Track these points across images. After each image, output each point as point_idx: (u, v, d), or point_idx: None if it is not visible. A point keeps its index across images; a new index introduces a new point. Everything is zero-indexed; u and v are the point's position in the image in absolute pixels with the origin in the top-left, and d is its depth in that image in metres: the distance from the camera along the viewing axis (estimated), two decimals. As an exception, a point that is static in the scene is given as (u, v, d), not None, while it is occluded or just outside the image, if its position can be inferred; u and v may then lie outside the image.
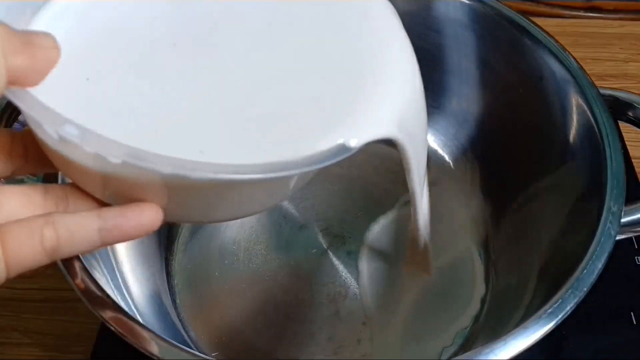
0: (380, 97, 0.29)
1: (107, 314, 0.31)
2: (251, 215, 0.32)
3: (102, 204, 0.27)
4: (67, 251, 0.24)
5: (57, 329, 0.46)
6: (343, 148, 0.26)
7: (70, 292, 0.32)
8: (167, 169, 0.22)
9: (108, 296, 0.31)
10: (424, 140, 0.35)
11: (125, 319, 0.30)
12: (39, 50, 0.25)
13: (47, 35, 0.25)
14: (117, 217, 0.25)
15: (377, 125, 0.28)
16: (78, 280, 0.32)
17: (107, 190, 0.26)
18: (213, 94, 0.27)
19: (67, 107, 0.24)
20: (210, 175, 0.23)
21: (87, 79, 0.27)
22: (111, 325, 0.30)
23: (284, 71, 0.29)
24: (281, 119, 0.27)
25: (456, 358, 0.29)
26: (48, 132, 0.23)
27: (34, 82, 0.25)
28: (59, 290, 0.48)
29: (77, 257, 0.32)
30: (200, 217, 0.32)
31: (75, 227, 0.24)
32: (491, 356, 0.28)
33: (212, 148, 0.25)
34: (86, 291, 0.32)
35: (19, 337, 0.46)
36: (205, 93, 0.27)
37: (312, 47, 0.30)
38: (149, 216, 0.25)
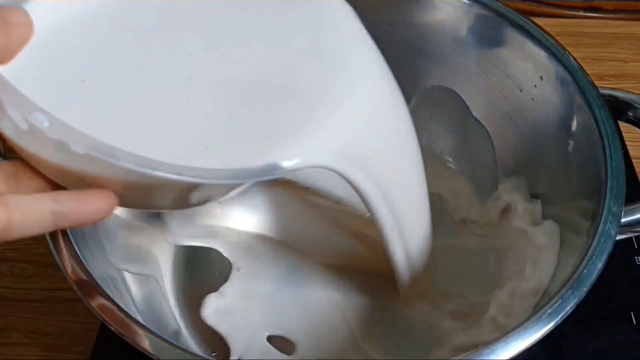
0: (323, 124, 0.29)
1: (107, 314, 0.31)
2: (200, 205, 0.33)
3: (53, 182, 0.27)
4: (18, 233, 0.24)
5: (57, 329, 0.46)
6: (273, 168, 0.27)
7: (70, 292, 0.32)
8: (129, 165, 0.23)
9: (108, 295, 0.31)
10: (399, 179, 0.34)
11: (130, 322, 0.30)
12: (14, 28, 0.24)
13: (21, 11, 0.25)
14: (72, 201, 0.25)
15: (313, 154, 0.28)
16: (69, 270, 0.32)
17: (63, 175, 0.26)
18: (181, 101, 0.28)
19: (58, 104, 0.24)
20: (171, 176, 0.24)
21: (83, 80, 0.27)
22: (111, 324, 0.30)
23: (249, 83, 0.29)
24: (231, 129, 0.28)
25: (456, 358, 0.29)
26: (12, 117, 0.23)
27: (5, 60, 0.25)
28: (59, 290, 0.48)
29: (74, 253, 0.32)
30: (151, 206, 0.33)
31: (28, 209, 0.24)
32: (491, 356, 0.28)
33: (170, 150, 0.26)
34: (82, 285, 0.32)
35: (19, 337, 0.46)
36: (175, 99, 0.28)
37: (279, 63, 0.30)
38: (104, 203, 0.25)
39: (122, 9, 0.30)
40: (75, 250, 0.33)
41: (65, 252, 0.32)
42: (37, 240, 0.50)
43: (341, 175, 0.31)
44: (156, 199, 0.29)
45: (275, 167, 0.27)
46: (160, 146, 0.26)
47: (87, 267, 0.32)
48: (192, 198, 0.30)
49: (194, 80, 0.29)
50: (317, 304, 0.43)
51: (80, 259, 0.32)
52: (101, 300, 0.31)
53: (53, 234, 0.33)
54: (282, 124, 0.28)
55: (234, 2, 0.32)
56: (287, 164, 0.27)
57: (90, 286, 0.32)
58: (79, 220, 0.25)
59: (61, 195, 0.25)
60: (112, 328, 0.30)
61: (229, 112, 0.28)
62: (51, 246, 0.33)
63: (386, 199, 0.34)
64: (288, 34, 0.31)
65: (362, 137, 0.30)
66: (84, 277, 0.32)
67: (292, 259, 0.45)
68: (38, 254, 0.50)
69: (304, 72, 0.30)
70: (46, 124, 0.22)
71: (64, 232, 0.33)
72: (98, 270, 0.35)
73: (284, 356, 0.41)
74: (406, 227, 0.37)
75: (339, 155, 0.29)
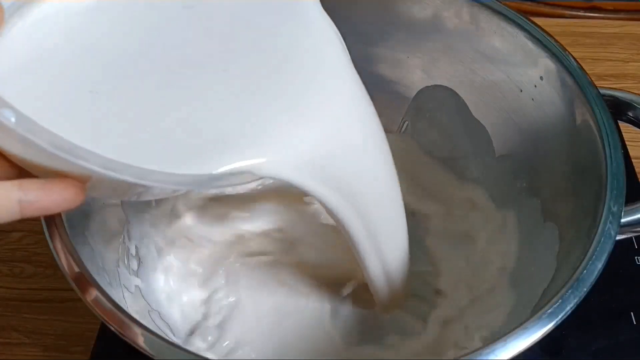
0: (288, 134, 0.29)
1: (106, 314, 0.31)
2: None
3: (18, 166, 0.26)
4: None
5: (57, 329, 0.46)
6: (233, 174, 0.27)
7: (70, 292, 0.32)
8: (93, 166, 0.23)
9: (107, 295, 0.31)
10: (373, 196, 0.34)
11: (130, 321, 0.30)
12: None
13: None
14: (39, 190, 0.25)
15: (273, 166, 0.28)
16: (69, 270, 0.32)
17: (31, 166, 0.26)
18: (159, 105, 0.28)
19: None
20: (130, 179, 0.24)
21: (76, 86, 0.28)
22: (110, 324, 0.30)
23: (219, 90, 0.29)
24: (197, 133, 0.28)
25: (456, 358, 0.29)
26: None
27: None
28: (59, 290, 0.48)
29: (73, 251, 0.32)
30: (122, 197, 0.33)
31: None
32: (491, 356, 0.28)
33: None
34: (81, 284, 0.32)
35: (19, 337, 0.46)
36: (149, 104, 0.28)
37: (252, 69, 0.30)
38: (71, 192, 0.25)
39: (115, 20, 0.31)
40: (73, 248, 0.33)
41: (63, 252, 0.32)
42: (37, 240, 0.50)
43: (305, 190, 0.31)
44: (126, 192, 0.29)
45: (237, 173, 0.27)
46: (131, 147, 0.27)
47: (88, 268, 0.32)
48: (162, 193, 0.30)
49: (178, 87, 0.29)
50: (305, 315, 0.43)
51: (80, 259, 0.32)
52: (100, 300, 0.31)
53: (51, 232, 0.33)
54: (246, 132, 0.28)
55: (222, 11, 0.32)
56: (252, 171, 0.27)
57: (90, 285, 0.31)
58: (44, 209, 0.25)
59: (27, 183, 0.25)
60: (112, 328, 0.30)
61: (205, 117, 0.28)
62: (50, 245, 0.33)
63: (360, 218, 0.34)
64: (269, 47, 0.31)
65: (331, 151, 0.30)
66: (84, 277, 0.32)
67: (282, 271, 0.45)
68: (38, 254, 0.50)
69: (277, 82, 0.30)
70: (13, 120, 0.22)
71: (62, 230, 0.33)
72: (96, 269, 0.35)
73: (281, 356, 0.41)
74: (383, 246, 0.36)
75: (301, 168, 0.29)
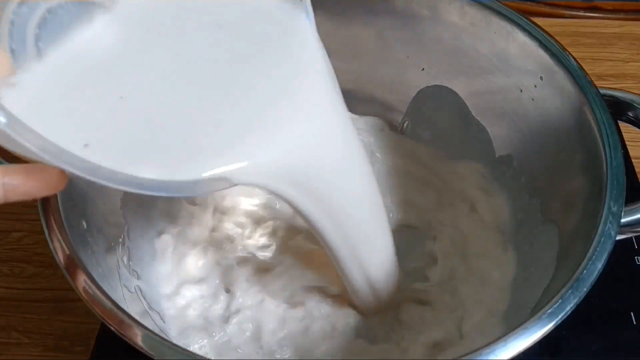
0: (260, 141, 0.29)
1: (106, 314, 0.31)
2: None
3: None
4: None
5: (57, 329, 0.46)
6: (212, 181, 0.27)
7: (70, 292, 0.32)
8: (76, 171, 0.24)
9: (108, 295, 0.31)
10: (348, 203, 0.34)
11: (130, 321, 0.30)
12: None
13: None
14: (22, 175, 0.25)
15: (246, 172, 0.28)
16: (70, 272, 0.32)
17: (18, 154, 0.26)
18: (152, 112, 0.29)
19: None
20: (103, 182, 0.25)
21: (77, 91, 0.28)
22: (110, 324, 0.30)
23: (204, 100, 0.29)
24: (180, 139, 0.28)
25: (456, 358, 0.29)
26: None
27: None
28: (59, 290, 0.48)
29: (71, 249, 0.32)
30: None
31: None
32: (491, 356, 0.28)
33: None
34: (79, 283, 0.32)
35: (19, 337, 0.46)
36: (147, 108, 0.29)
37: (236, 80, 0.30)
38: (55, 179, 0.26)
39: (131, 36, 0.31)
40: (73, 248, 0.33)
41: (63, 251, 0.33)
42: (37, 240, 0.50)
43: (278, 195, 0.31)
44: None
45: (211, 180, 0.27)
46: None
47: (88, 268, 0.32)
48: None
49: (171, 96, 0.30)
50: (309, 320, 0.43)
51: (80, 258, 0.32)
52: (100, 299, 0.31)
53: (50, 232, 0.33)
54: (221, 141, 0.28)
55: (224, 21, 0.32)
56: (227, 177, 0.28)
57: (90, 285, 0.31)
58: (28, 193, 0.26)
59: (11, 168, 0.25)
60: (112, 327, 0.30)
61: (187, 125, 0.29)
62: (50, 245, 0.33)
63: (336, 225, 0.34)
64: (258, 57, 0.31)
65: (306, 159, 0.30)
66: (83, 276, 0.32)
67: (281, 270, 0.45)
68: (38, 254, 0.50)
69: (259, 91, 0.30)
70: (3, 120, 0.23)
71: (61, 230, 0.33)
72: (97, 269, 0.35)
73: (279, 356, 0.41)
74: (362, 252, 0.36)
75: (272, 175, 0.30)
